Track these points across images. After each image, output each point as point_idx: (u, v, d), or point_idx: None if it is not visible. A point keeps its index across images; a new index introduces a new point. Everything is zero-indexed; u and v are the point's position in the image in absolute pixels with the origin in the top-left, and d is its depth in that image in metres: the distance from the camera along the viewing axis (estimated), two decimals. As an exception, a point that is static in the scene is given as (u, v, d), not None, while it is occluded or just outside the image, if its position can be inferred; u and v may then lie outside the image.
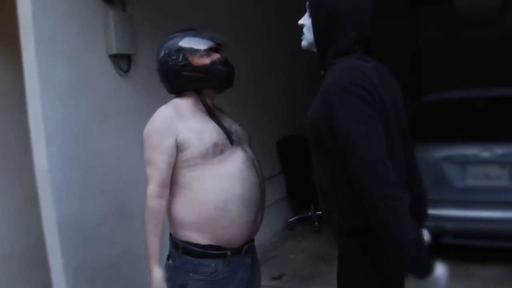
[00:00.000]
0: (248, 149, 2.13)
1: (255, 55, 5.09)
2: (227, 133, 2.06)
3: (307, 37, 1.77)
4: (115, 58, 3.25)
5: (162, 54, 2.07)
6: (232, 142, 2.04)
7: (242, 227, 1.98)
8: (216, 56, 2.06)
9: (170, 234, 2.08)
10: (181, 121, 1.99)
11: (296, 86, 6.12)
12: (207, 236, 1.96)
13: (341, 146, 1.55)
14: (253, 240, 2.12)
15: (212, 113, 2.10)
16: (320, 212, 1.92)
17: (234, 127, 2.16)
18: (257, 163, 2.11)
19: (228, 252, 1.98)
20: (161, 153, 1.95)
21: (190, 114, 2.05)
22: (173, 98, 2.16)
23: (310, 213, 5.65)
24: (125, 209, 3.33)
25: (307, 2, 1.75)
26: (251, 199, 1.99)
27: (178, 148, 1.96)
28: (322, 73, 1.75)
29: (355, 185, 1.53)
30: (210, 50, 2.06)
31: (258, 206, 2.04)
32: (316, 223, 5.58)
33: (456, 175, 3.93)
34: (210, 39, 2.07)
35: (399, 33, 8.33)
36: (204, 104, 2.09)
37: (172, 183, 2.01)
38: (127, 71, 3.35)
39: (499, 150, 3.85)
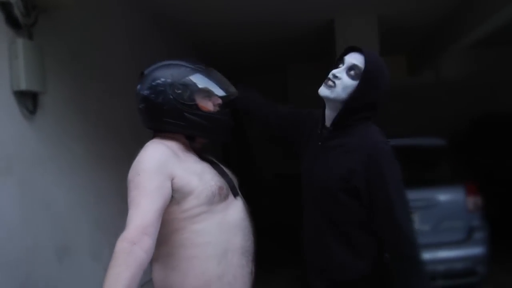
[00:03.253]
0: (240, 195, 1.84)
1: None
2: (229, 179, 1.78)
3: (339, 93, 1.78)
4: (22, 96, 2.65)
5: (160, 81, 1.68)
6: (233, 188, 1.76)
7: (244, 280, 1.70)
8: (218, 101, 1.76)
9: None
10: (176, 160, 1.63)
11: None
12: None
13: (382, 203, 1.70)
14: None
15: (207, 159, 1.80)
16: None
17: (226, 170, 1.84)
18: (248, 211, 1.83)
19: None
20: (151, 194, 1.53)
21: (183, 153, 1.71)
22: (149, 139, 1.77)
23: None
24: (30, 283, 2.65)
25: (356, 65, 1.76)
26: (249, 249, 1.74)
27: (177, 193, 1.58)
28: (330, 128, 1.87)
29: (390, 243, 1.73)
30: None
31: (253, 255, 1.77)
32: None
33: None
34: (224, 88, 1.78)
35: (271, 88, 8.61)
36: (196, 152, 1.79)
37: (161, 245, 1.59)
38: (33, 112, 2.76)
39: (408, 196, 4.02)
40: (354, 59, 1.77)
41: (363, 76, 1.74)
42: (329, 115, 1.86)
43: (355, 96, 1.75)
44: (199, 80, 1.71)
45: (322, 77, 1.85)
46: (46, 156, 2.89)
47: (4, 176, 2.52)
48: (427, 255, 4.22)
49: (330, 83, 1.78)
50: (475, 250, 4.19)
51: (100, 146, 3.58)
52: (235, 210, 1.71)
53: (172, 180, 1.58)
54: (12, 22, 2.59)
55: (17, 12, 2.60)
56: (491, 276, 4.42)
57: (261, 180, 8.09)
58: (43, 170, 2.85)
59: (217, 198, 1.64)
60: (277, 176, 8.07)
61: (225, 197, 1.69)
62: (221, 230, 1.64)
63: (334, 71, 1.79)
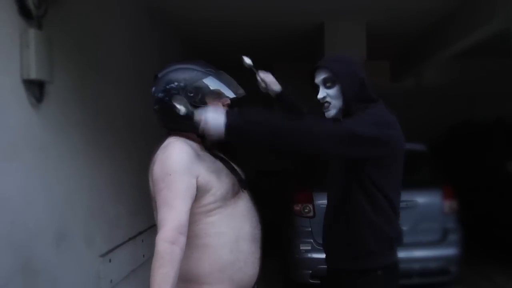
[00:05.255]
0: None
1: (142, 95, 4.79)
2: (239, 174, 1.93)
3: (336, 104, 2.01)
4: (30, 85, 2.74)
5: (174, 85, 1.80)
6: (243, 184, 1.91)
7: (254, 265, 1.84)
8: (227, 102, 1.89)
9: None
10: (199, 160, 1.77)
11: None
12: (227, 285, 1.76)
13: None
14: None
15: (218, 156, 1.93)
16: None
17: (234, 165, 1.99)
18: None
19: None
20: (182, 195, 1.67)
21: (201, 152, 1.85)
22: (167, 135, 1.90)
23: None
24: (30, 266, 2.74)
25: (326, 77, 2.00)
26: (257, 236, 1.88)
27: (198, 191, 1.72)
28: None
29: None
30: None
31: (261, 242, 1.91)
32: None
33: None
34: (233, 89, 1.90)
35: (257, 85, 8.75)
36: (208, 149, 1.91)
37: None
38: (40, 101, 2.85)
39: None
40: (320, 75, 2.03)
41: (335, 78, 1.98)
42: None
43: (346, 93, 1.98)
44: (210, 83, 1.83)
45: (308, 78, 2.11)
46: (49, 143, 2.98)
47: (11, 161, 2.61)
48: (404, 254, 4.48)
49: (325, 105, 2.04)
50: (449, 251, 4.45)
51: (96, 136, 3.67)
52: (243, 201, 1.86)
53: (196, 178, 1.71)
54: (25, 12, 2.68)
55: (30, 2, 2.68)
56: (461, 276, 4.67)
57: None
58: (46, 157, 2.94)
59: (230, 195, 1.79)
60: (259, 173, 8.20)
61: (236, 193, 1.83)
62: (232, 221, 1.78)
63: (319, 97, 2.04)
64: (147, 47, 5.02)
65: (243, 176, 1.97)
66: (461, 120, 7.43)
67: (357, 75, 1.99)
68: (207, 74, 1.85)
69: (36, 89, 2.81)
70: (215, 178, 1.76)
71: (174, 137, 1.85)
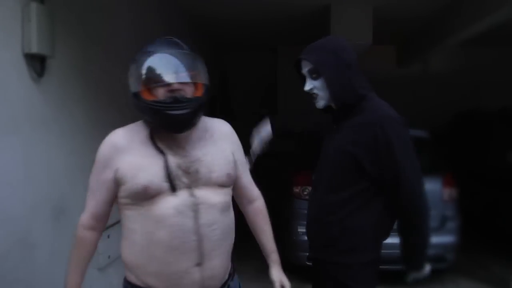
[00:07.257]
0: (200, 193, 1.69)
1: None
2: (170, 176, 1.65)
3: (323, 96, 1.99)
4: (31, 59, 2.73)
5: (131, 68, 1.69)
6: (174, 187, 1.65)
7: (180, 276, 1.66)
8: (172, 88, 1.60)
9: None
10: (125, 153, 1.67)
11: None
12: (141, 278, 1.73)
13: (395, 171, 1.86)
14: None
15: (161, 150, 1.69)
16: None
17: (197, 165, 1.70)
18: (205, 209, 1.68)
19: None
20: (100, 185, 1.74)
21: (142, 144, 1.71)
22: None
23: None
24: (28, 240, 2.78)
25: (310, 69, 1.97)
26: (181, 248, 1.64)
27: (117, 183, 1.69)
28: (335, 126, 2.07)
29: (405, 202, 1.90)
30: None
31: (197, 255, 1.66)
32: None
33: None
34: (175, 72, 1.62)
35: (261, 66, 8.71)
36: (151, 140, 1.71)
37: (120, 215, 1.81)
38: (41, 75, 2.84)
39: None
40: (305, 66, 2.00)
41: (318, 70, 1.95)
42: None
43: (332, 85, 1.94)
44: (146, 67, 1.63)
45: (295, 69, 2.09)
46: (50, 118, 2.98)
47: (11, 135, 2.62)
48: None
49: (314, 96, 2.03)
50: (446, 238, 4.46)
51: (98, 112, 3.67)
52: (166, 205, 1.64)
53: (116, 170, 1.67)
54: (27, -15, 2.66)
55: (32, -24, 2.66)
56: (458, 264, 4.70)
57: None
58: (47, 132, 2.95)
59: (142, 196, 1.64)
60: (262, 154, 8.18)
61: (152, 196, 1.64)
62: (145, 223, 1.67)
63: (306, 89, 2.02)
64: (153, 24, 4.98)
65: (201, 175, 1.69)
66: (466, 109, 7.39)
67: (343, 63, 1.91)
68: (149, 54, 1.64)
69: (37, 63, 2.81)
70: (132, 175, 1.63)
71: (141, 121, 1.77)
